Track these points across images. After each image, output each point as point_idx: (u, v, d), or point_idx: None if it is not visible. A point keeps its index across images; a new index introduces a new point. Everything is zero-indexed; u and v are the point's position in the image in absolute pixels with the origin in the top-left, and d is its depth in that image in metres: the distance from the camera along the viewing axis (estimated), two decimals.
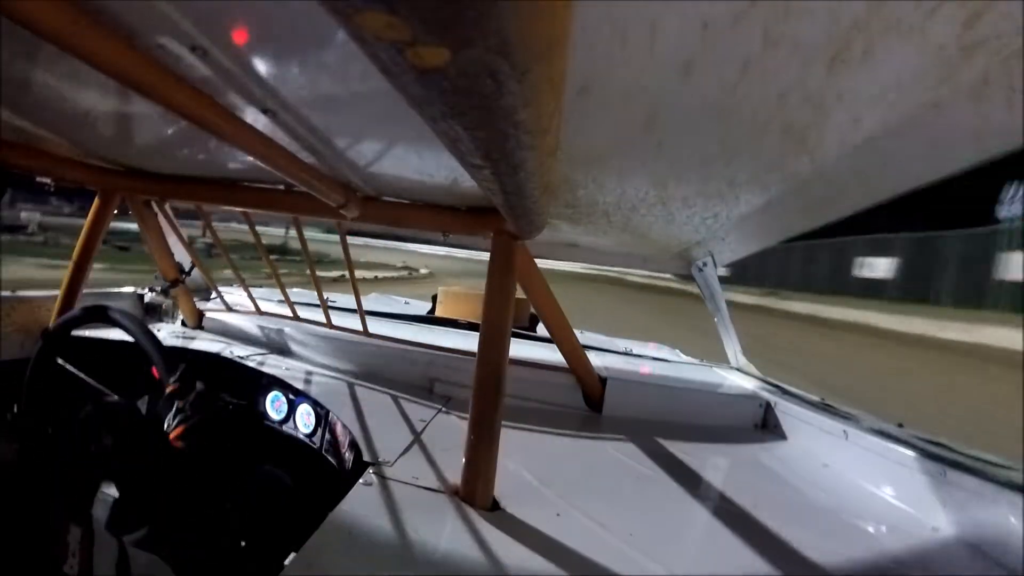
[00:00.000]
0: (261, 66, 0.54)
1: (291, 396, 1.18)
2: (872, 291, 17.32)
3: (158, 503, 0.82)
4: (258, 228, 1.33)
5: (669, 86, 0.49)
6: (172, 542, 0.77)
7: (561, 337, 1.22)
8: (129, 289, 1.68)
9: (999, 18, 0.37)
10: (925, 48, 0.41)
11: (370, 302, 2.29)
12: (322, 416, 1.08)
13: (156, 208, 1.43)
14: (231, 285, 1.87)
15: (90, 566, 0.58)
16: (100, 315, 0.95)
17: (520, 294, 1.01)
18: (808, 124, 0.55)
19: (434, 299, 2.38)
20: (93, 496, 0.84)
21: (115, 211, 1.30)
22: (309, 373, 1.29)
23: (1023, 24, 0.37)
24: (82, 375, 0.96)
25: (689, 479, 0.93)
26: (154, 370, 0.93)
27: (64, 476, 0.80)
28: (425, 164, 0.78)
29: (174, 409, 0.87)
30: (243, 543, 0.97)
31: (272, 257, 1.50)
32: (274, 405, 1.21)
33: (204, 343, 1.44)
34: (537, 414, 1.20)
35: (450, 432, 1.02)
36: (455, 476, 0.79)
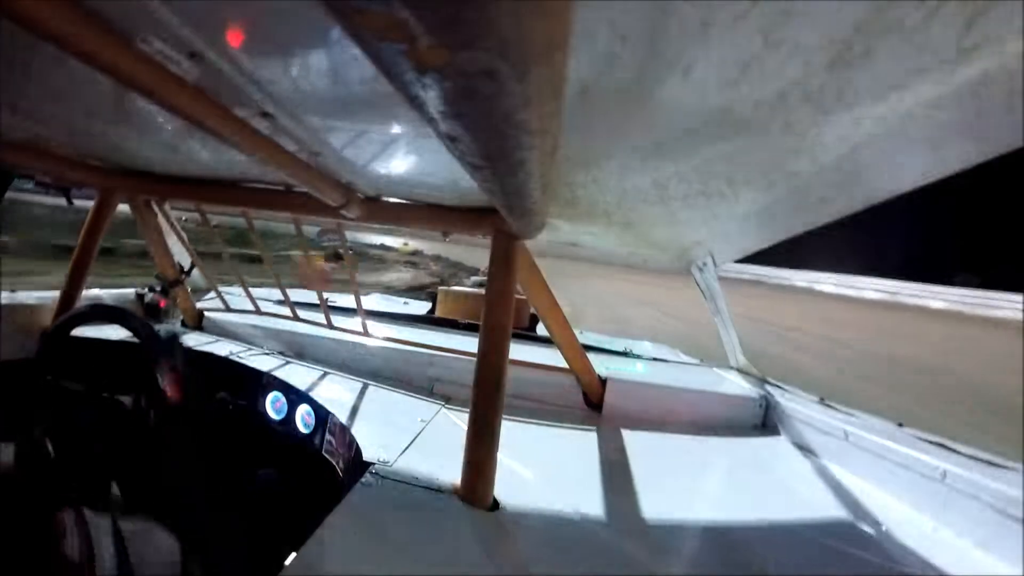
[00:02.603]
0: (258, 71, 0.54)
1: (291, 396, 1.18)
2: None
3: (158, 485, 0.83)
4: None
5: (669, 88, 0.49)
6: (175, 509, 0.78)
7: (561, 337, 1.22)
8: (129, 290, 1.68)
9: (999, 20, 0.37)
10: (925, 49, 0.41)
11: (370, 302, 2.29)
12: (322, 416, 1.08)
13: (156, 208, 1.43)
14: (231, 285, 1.87)
15: (90, 543, 0.58)
16: (99, 314, 0.96)
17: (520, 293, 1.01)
18: (808, 124, 0.55)
19: (434, 299, 2.38)
20: (81, 482, 0.85)
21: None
22: (309, 373, 1.29)
23: (1023, 25, 0.37)
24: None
25: (689, 479, 0.93)
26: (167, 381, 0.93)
27: (55, 466, 0.80)
28: (425, 164, 0.78)
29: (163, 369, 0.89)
30: (243, 542, 0.97)
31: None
32: (274, 405, 1.21)
33: (204, 343, 1.44)
34: (537, 414, 1.21)
35: (450, 432, 1.02)
36: (455, 476, 0.79)
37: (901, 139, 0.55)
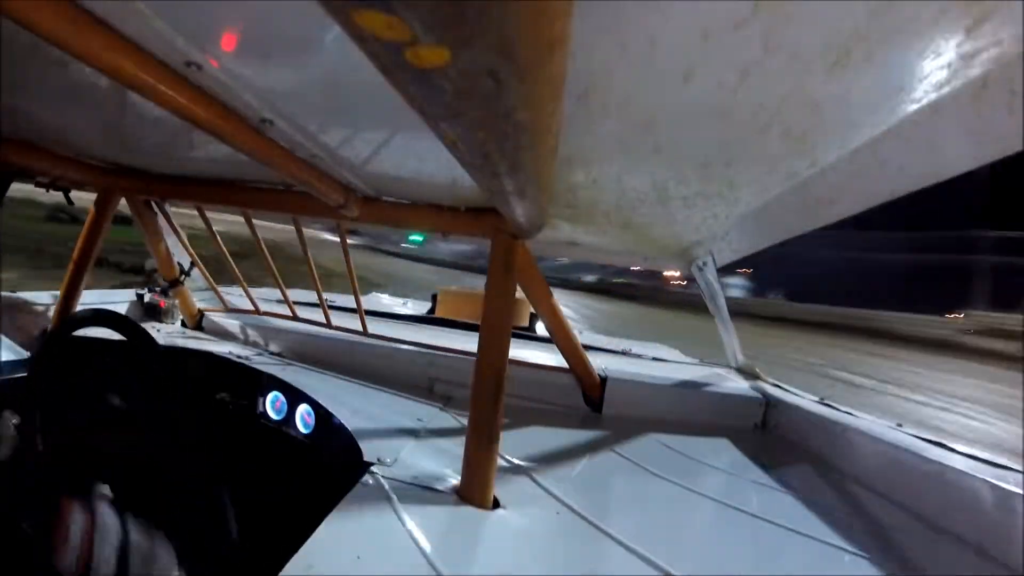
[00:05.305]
0: (256, 76, 0.54)
1: (291, 396, 1.18)
2: None
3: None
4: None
5: (668, 91, 0.49)
6: (177, 523, 0.76)
7: (561, 337, 1.22)
8: (128, 290, 1.69)
9: (1000, 26, 0.37)
10: (926, 54, 0.41)
11: (370, 302, 2.29)
12: (322, 416, 1.08)
13: (156, 208, 1.43)
14: (231, 285, 1.87)
15: (91, 556, 0.56)
16: (102, 320, 0.95)
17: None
18: (808, 127, 0.55)
19: (434, 299, 2.38)
20: (98, 478, 0.84)
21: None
22: (308, 373, 1.29)
23: (1023, 31, 0.37)
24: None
25: (689, 478, 0.93)
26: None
27: (69, 458, 0.78)
28: (425, 165, 0.78)
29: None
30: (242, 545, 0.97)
31: None
32: (274, 405, 1.20)
33: (204, 343, 1.43)
34: (537, 414, 1.21)
35: (450, 432, 1.02)
36: (455, 476, 0.79)
37: (901, 142, 0.55)
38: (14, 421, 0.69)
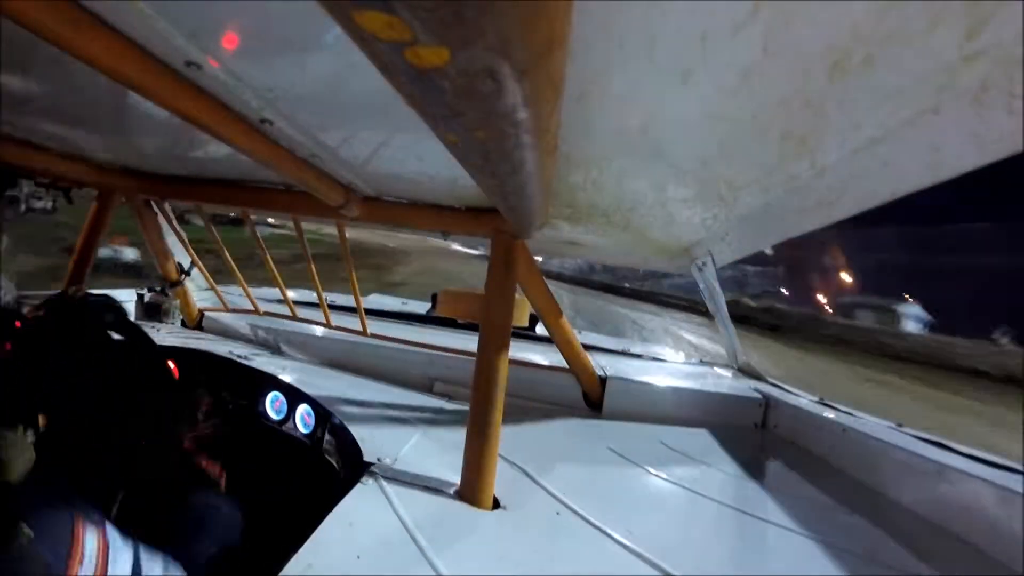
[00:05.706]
0: (256, 77, 0.54)
1: (291, 396, 1.18)
2: None
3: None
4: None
5: (667, 92, 0.49)
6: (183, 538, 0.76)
7: (561, 337, 1.22)
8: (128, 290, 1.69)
9: (1000, 28, 0.37)
10: (926, 56, 0.41)
11: (370, 302, 2.29)
12: (322, 416, 1.08)
13: (156, 208, 1.43)
14: (231, 285, 1.88)
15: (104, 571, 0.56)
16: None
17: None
18: (808, 129, 0.55)
19: (434, 298, 2.38)
20: (113, 500, 0.83)
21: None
22: (309, 373, 1.29)
23: (1023, 33, 0.37)
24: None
25: (688, 478, 0.93)
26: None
27: (84, 476, 0.78)
28: (425, 165, 0.78)
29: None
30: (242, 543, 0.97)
31: None
32: (274, 405, 1.20)
33: (204, 343, 1.44)
34: (537, 414, 1.21)
35: (450, 432, 1.02)
36: (455, 476, 0.79)
37: (901, 143, 0.55)
38: (31, 439, 0.68)
